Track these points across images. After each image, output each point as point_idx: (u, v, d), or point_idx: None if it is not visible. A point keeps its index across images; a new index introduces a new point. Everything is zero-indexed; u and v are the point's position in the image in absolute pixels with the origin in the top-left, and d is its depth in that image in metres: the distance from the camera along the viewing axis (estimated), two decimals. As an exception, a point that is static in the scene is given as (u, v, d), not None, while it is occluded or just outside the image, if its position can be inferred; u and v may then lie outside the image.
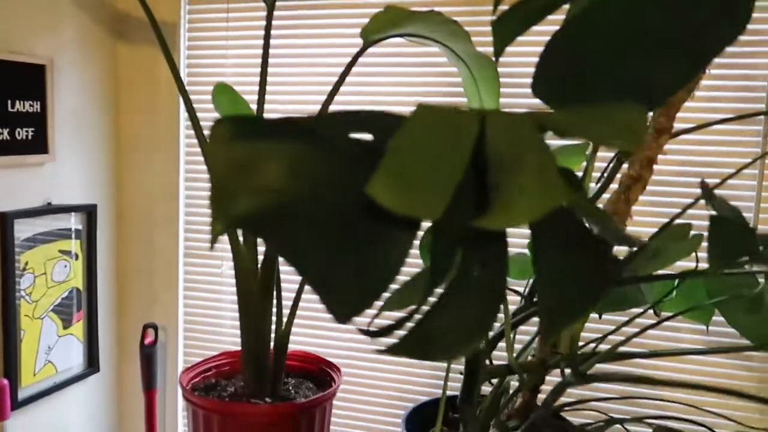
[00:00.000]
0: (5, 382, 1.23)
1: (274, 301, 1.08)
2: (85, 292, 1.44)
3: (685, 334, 1.25)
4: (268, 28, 1.05)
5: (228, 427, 0.96)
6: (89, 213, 1.43)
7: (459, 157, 0.45)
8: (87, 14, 1.39)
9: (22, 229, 1.26)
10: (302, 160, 0.44)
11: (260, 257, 1.07)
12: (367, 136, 0.50)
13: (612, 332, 0.96)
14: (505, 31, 0.66)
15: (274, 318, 1.09)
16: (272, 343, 1.09)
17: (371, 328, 0.44)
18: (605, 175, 1.00)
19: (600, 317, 1.18)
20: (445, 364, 1.28)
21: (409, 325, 0.44)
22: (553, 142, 1.27)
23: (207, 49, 1.47)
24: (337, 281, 0.42)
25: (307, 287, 1.13)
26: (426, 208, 0.41)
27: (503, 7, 0.61)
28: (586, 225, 0.49)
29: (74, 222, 1.40)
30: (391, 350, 0.44)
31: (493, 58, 0.93)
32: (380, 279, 0.43)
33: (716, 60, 1.19)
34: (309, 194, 0.43)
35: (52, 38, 1.31)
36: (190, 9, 1.47)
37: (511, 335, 0.89)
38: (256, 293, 1.06)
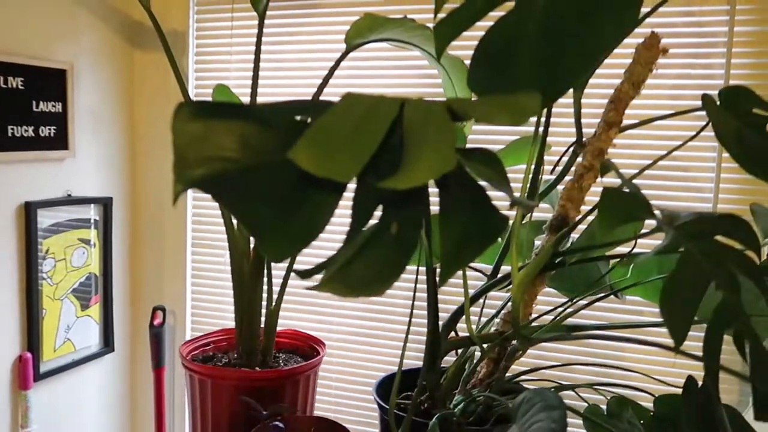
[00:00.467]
0: (29, 355, 1.36)
1: (265, 281, 1.19)
2: (101, 277, 1.57)
3: (648, 318, 1.33)
4: (259, 35, 1.16)
5: (220, 391, 1.07)
6: (105, 204, 1.56)
7: (375, 131, 0.55)
8: (105, 24, 1.53)
9: (45, 218, 1.40)
10: (248, 134, 0.55)
11: (252, 242, 1.18)
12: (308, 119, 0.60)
13: (565, 307, 1.05)
14: (444, 33, 0.76)
15: (265, 296, 1.20)
16: (263, 320, 1.20)
17: (302, 269, 0.54)
18: (561, 166, 1.09)
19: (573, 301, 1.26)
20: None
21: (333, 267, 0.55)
22: (507, 137, 1.37)
23: (213, 54, 1.59)
24: (272, 232, 0.53)
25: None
26: (340, 172, 0.51)
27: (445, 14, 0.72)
28: (482, 187, 0.59)
29: (92, 213, 1.53)
30: (317, 287, 0.54)
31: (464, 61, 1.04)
32: (307, 232, 0.54)
33: (679, 60, 1.26)
34: (253, 162, 0.54)
35: (72, 45, 1.44)
36: (198, 18, 1.60)
37: (481, 310, 0.98)
38: (248, 274, 1.17)
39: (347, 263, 0.56)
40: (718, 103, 0.85)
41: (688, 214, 0.74)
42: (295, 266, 1.43)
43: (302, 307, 1.55)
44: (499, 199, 1.35)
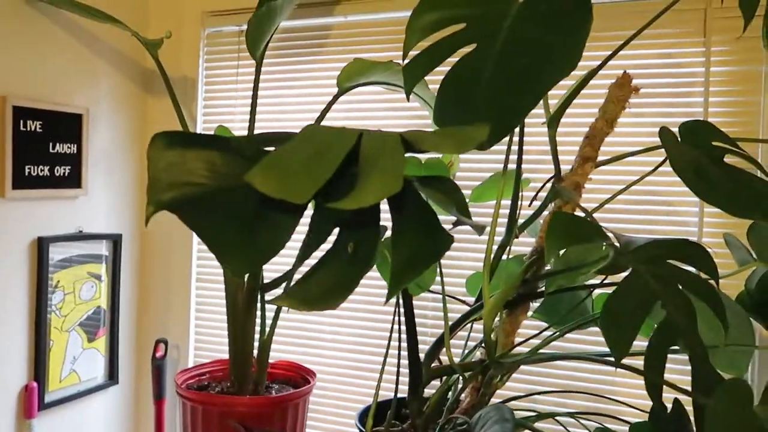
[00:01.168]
0: (34, 384, 1.42)
1: (258, 314, 1.24)
2: (108, 311, 1.63)
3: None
4: (257, 79, 1.24)
5: (210, 417, 1.11)
6: (115, 241, 1.64)
7: (332, 158, 0.61)
8: (120, 71, 1.64)
9: (56, 253, 1.47)
10: (216, 162, 0.61)
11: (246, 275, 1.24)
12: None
13: (552, 334, 1.07)
14: (413, 72, 0.83)
15: (258, 328, 1.24)
16: (257, 350, 1.24)
17: (263, 284, 0.59)
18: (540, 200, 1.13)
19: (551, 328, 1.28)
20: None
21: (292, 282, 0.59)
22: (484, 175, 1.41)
23: (220, 99, 1.69)
24: (233, 249, 0.58)
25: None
26: (294, 194, 0.57)
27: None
28: (431, 210, 0.64)
29: (103, 249, 1.61)
30: (274, 301, 0.59)
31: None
32: (267, 249, 0.59)
33: (660, 100, 1.28)
34: (218, 186, 0.60)
35: (89, 92, 1.55)
36: (207, 66, 1.70)
37: (467, 340, 1.00)
38: (241, 306, 1.22)
39: (305, 278, 0.61)
40: (678, 137, 0.90)
41: (644, 240, 0.78)
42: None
43: (298, 340, 1.59)
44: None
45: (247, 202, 0.60)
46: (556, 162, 1.12)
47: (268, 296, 0.62)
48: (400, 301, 0.96)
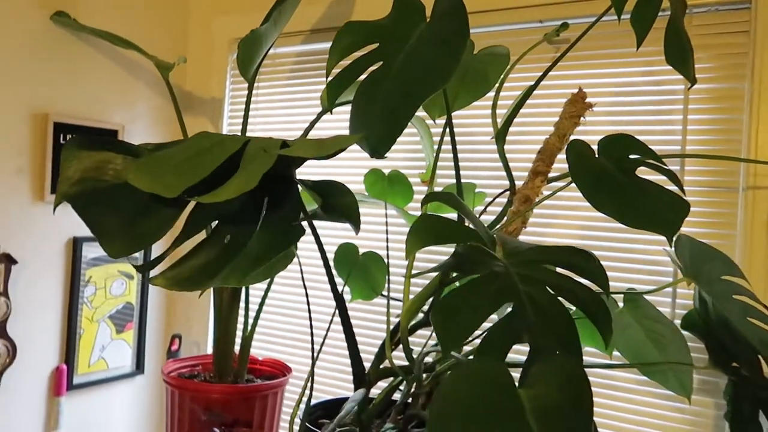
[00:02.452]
0: (64, 366, 1.61)
1: (242, 311, 1.36)
2: (137, 306, 1.81)
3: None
4: (248, 97, 1.38)
5: (183, 400, 1.23)
6: (146, 244, 1.82)
7: (210, 160, 0.71)
8: (155, 92, 1.84)
9: (90, 252, 1.67)
10: (116, 163, 0.73)
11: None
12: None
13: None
14: (334, 88, 0.92)
15: (241, 324, 1.36)
16: (240, 345, 1.35)
17: (138, 264, 0.69)
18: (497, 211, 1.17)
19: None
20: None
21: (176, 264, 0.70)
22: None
23: (238, 118, 1.85)
24: (113, 236, 0.69)
25: (268, 300, 1.40)
26: (164, 189, 0.67)
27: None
28: (295, 207, 0.72)
29: (134, 250, 1.80)
30: (151, 281, 0.69)
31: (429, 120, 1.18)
32: (145, 237, 0.70)
33: (640, 117, 1.28)
34: (112, 183, 0.71)
35: (125, 110, 1.76)
36: (232, 87, 1.87)
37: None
38: (226, 301, 1.34)
39: (179, 262, 0.71)
40: (596, 151, 0.92)
41: (531, 246, 0.82)
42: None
43: (285, 339, 1.69)
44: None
45: (135, 196, 0.71)
46: (509, 176, 1.17)
47: (149, 275, 0.72)
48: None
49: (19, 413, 1.53)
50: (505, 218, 1.16)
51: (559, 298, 0.75)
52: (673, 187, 0.91)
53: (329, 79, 0.93)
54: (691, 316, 1.03)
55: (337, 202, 0.78)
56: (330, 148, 0.71)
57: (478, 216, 1.32)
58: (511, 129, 1.44)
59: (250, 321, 1.36)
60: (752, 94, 1.21)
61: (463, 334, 0.64)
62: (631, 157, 0.91)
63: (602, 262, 1.25)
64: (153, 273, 0.84)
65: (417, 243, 0.72)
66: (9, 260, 1.48)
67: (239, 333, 1.37)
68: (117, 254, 0.68)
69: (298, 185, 0.78)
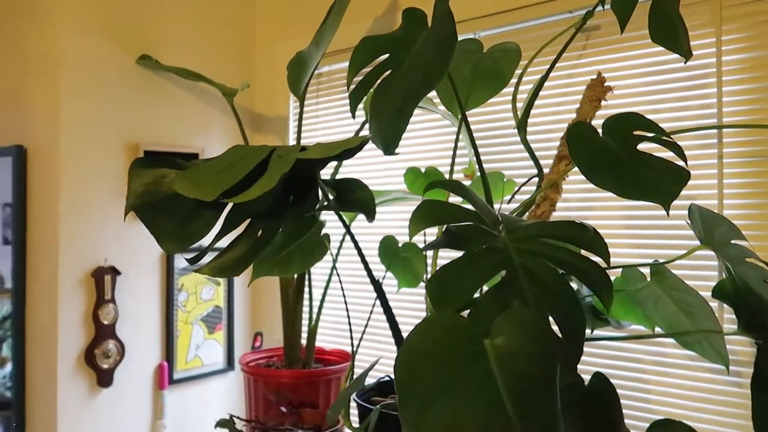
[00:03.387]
0: (165, 363, 1.83)
1: (306, 303, 1.50)
2: (225, 309, 2.02)
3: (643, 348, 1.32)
4: (300, 112, 1.53)
5: (266, 386, 1.38)
6: (230, 253, 2.03)
7: (240, 169, 0.85)
8: (229, 116, 2.05)
9: (181, 261, 1.89)
10: (169, 176, 0.88)
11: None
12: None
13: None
14: (355, 96, 1.04)
15: (306, 315, 1.50)
16: (307, 336, 1.50)
17: (189, 256, 0.84)
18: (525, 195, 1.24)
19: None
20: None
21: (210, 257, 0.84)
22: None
23: (305, 131, 2.01)
24: (168, 237, 0.84)
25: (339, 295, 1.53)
26: (203, 194, 0.82)
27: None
28: (312, 202, 0.84)
29: (220, 259, 2.01)
30: (198, 270, 0.84)
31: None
32: (192, 235, 0.85)
33: (674, 95, 1.29)
34: (167, 193, 0.87)
35: (203, 135, 1.97)
36: (294, 105, 2.04)
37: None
38: (292, 297, 1.49)
39: (221, 254, 0.85)
40: (601, 131, 0.96)
41: (531, 222, 0.89)
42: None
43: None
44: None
45: (184, 203, 0.86)
46: (536, 162, 1.23)
47: (194, 267, 0.86)
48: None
49: (131, 404, 1.77)
50: (534, 203, 1.22)
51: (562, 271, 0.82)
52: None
53: (350, 89, 1.04)
54: (722, 285, 1.04)
55: (354, 196, 0.90)
56: (336, 149, 0.83)
57: (507, 202, 1.38)
58: (538, 117, 1.50)
59: (314, 314, 1.50)
60: (788, 59, 1.19)
61: (455, 303, 0.73)
62: (636, 133, 0.95)
63: (626, 238, 1.28)
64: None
65: (418, 225, 0.81)
66: (114, 272, 1.72)
67: (306, 326, 1.51)
68: (172, 251, 0.83)
69: (320, 184, 0.90)
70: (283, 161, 0.82)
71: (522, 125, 1.18)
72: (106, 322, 1.69)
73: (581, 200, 1.45)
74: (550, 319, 0.75)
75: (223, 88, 1.70)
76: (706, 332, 1.03)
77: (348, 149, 0.83)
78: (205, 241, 0.90)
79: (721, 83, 1.28)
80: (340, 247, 1.52)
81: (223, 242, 0.88)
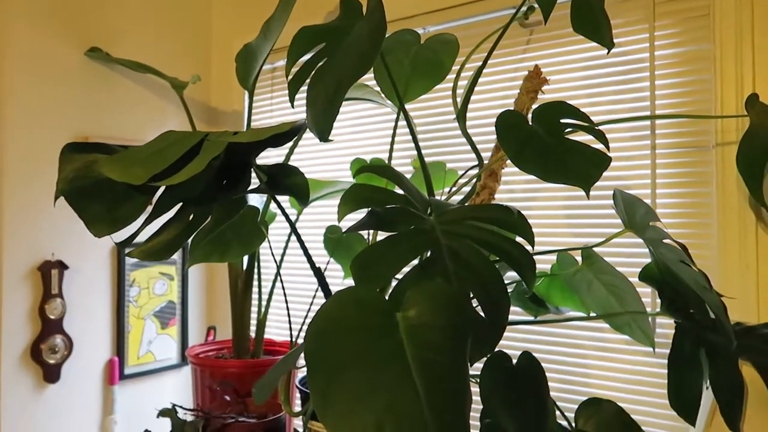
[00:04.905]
0: (116, 358, 1.82)
1: (255, 297, 1.51)
2: (179, 304, 2.01)
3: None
4: (250, 104, 1.53)
5: (205, 376, 1.38)
6: (184, 247, 2.02)
7: (171, 154, 0.85)
8: (183, 110, 2.04)
9: (133, 256, 1.88)
10: (96, 161, 0.88)
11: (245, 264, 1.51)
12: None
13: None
14: (293, 87, 1.05)
15: (255, 308, 1.50)
16: (255, 329, 1.50)
17: (119, 240, 0.84)
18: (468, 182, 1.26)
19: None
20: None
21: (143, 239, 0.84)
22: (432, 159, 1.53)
23: (259, 126, 2.02)
24: (98, 220, 0.84)
25: (277, 288, 1.54)
26: (132, 178, 0.82)
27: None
28: (243, 187, 0.85)
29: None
30: (129, 254, 0.84)
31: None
32: (123, 219, 0.85)
33: (610, 88, 1.33)
34: (96, 178, 0.87)
35: (157, 128, 1.96)
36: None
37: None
38: (240, 289, 1.49)
39: (151, 238, 0.86)
40: (529, 119, 1.00)
41: (459, 206, 0.92)
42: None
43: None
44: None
45: (115, 188, 0.86)
46: (476, 152, 1.26)
47: (125, 251, 0.86)
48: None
49: (80, 400, 1.75)
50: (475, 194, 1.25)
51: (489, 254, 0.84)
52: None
53: (289, 78, 1.06)
54: (648, 268, 1.08)
55: (288, 181, 0.91)
56: (264, 134, 0.84)
57: (450, 193, 1.41)
58: (481, 111, 1.53)
59: (263, 306, 1.50)
60: (716, 53, 1.24)
61: (377, 282, 0.75)
62: (563, 121, 0.98)
63: (566, 227, 1.32)
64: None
65: (347, 208, 0.83)
66: (62, 266, 1.70)
67: (255, 318, 1.52)
68: (100, 234, 0.83)
69: (254, 170, 0.91)
70: (214, 145, 0.83)
71: (461, 115, 1.20)
72: (53, 317, 1.66)
73: (525, 191, 1.48)
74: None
75: (173, 80, 1.69)
76: (634, 314, 1.07)
77: (278, 134, 0.84)
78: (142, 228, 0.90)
79: (654, 77, 1.33)
80: (288, 240, 1.53)
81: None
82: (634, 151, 1.35)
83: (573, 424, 1.01)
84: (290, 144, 1.57)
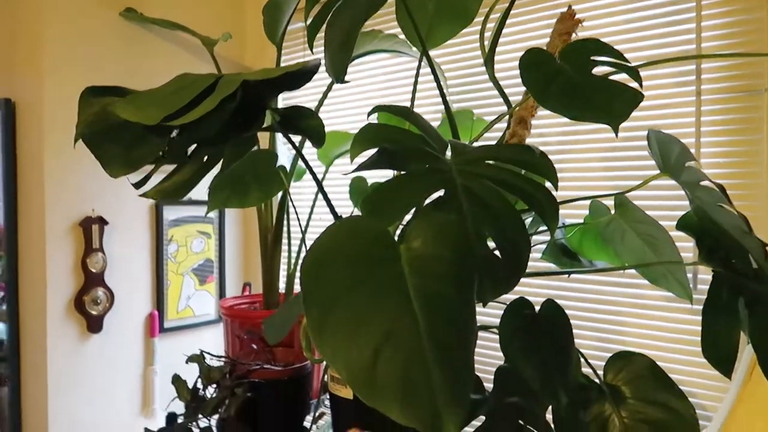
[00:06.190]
0: (156, 312, 1.87)
1: (285, 248, 1.51)
2: (216, 262, 2.04)
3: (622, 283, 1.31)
4: (278, 60, 1.52)
5: (241, 327, 1.40)
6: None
7: (186, 94, 0.84)
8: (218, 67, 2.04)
9: (170, 214, 1.91)
10: (114, 104, 0.88)
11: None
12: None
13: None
14: (311, 31, 1.02)
15: (285, 260, 1.51)
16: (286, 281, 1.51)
17: (135, 181, 0.85)
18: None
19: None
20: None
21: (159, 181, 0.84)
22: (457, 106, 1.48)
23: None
24: (113, 161, 0.85)
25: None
26: (146, 118, 0.82)
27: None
28: (252, 124, 0.83)
29: (212, 212, 2.02)
30: (145, 194, 0.85)
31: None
32: (140, 159, 0.85)
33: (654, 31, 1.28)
34: (114, 122, 0.87)
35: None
36: (284, 57, 2.03)
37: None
38: (270, 243, 1.50)
39: (165, 179, 0.86)
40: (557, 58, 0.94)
41: (479, 146, 0.88)
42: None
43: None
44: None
45: (132, 129, 0.86)
46: (505, 99, 1.21)
47: (140, 191, 0.86)
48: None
49: (122, 350, 1.81)
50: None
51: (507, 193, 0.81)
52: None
53: (307, 22, 1.03)
54: (687, 217, 1.02)
55: (302, 124, 0.89)
56: (275, 72, 0.82)
57: (477, 138, 1.36)
58: (510, 54, 1.47)
59: (293, 260, 1.51)
60: (770, -12, 1.15)
61: (387, 220, 0.72)
62: (594, 59, 0.93)
63: (604, 180, 1.26)
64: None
65: (359, 147, 0.81)
66: (102, 222, 1.75)
67: (284, 272, 1.53)
68: (116, 175, 0.84)
69: (271, 112, 0.90)
70: (227, 84, 0.82)
71: (489, 60, 1.15)
72: (94, 271, 1.72)
73: (560, 143, 1.42)
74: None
75: (204, 38, 1.69)
76: (669, 264, 1.02)
77: (289, 73, 0.83)
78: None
79: (700, 17, 1.24)
80: (316, 197, 1.52)
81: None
82: (678, 98, 1.27)
83: (602, 378, 0.97)
84: (320, 98, 1.55)
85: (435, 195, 0.77)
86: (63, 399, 1.68)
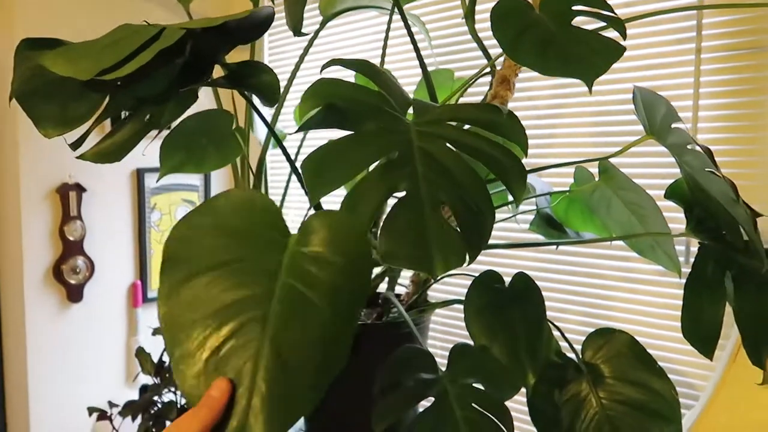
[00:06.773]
0: (139, 282, 1.83)
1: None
2: (202, 231, 1.99)
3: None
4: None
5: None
6: (206, 174, 1.99)
7: (125, 47, 0.77)
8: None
9: (152, 181, 1.86)
10: (48, 58, 0.82)
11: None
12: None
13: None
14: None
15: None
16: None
17: (71, 142, 0.79)
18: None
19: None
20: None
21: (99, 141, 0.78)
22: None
23: (279, 51, 1.92)
24: (47, 120, 0.78)
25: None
26: (77, 72, 0.75)
27: None
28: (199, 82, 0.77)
29: (195, 179, 1.97)
30: (82, 156, 0.79)
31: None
32: (76, 118, 0.79)
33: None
34: (51, 78, 0.81)
35: (174, 51, 1.90)
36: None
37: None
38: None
39: (105, 138, 0.80)
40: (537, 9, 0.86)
41: (442, 105, 0.81)
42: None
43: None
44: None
45: (68, 86, 0.80)
46: (487, 57, 1.12)
47: (76, 153, 0.80)
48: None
49: (104, 320, 1.78)
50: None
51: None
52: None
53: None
54: (677, 185, 0.94)
55: (254, 81, 0.82)
56: (218, 21, 0.75)
57: (456, 99, 1.28)
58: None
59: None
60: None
61: (331, 186, 0.65)
62: (575, 8, 0.84)
63: (594, 146, 1.18)
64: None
65: (307, 105, 0.74)
66: (80, 188, 1.70)
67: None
68: (50, 135, 0.78)
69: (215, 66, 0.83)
70: (170, 35, 0.75)
71: (470, 14, 1.07)
72: (72, 239, 1.68)
73: (550, 106, 1.34)
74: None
75: (180, -6, 1.61)
76: (656, 235, 0.95)
77: (236, 20, 0.75)
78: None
79: (702, -33, 1.14)
80: (290, 176, 1.45)
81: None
82: (676, 56, 1.18)
83: (580, 356, 0.91)
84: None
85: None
86: (44, 367, 1.66)
